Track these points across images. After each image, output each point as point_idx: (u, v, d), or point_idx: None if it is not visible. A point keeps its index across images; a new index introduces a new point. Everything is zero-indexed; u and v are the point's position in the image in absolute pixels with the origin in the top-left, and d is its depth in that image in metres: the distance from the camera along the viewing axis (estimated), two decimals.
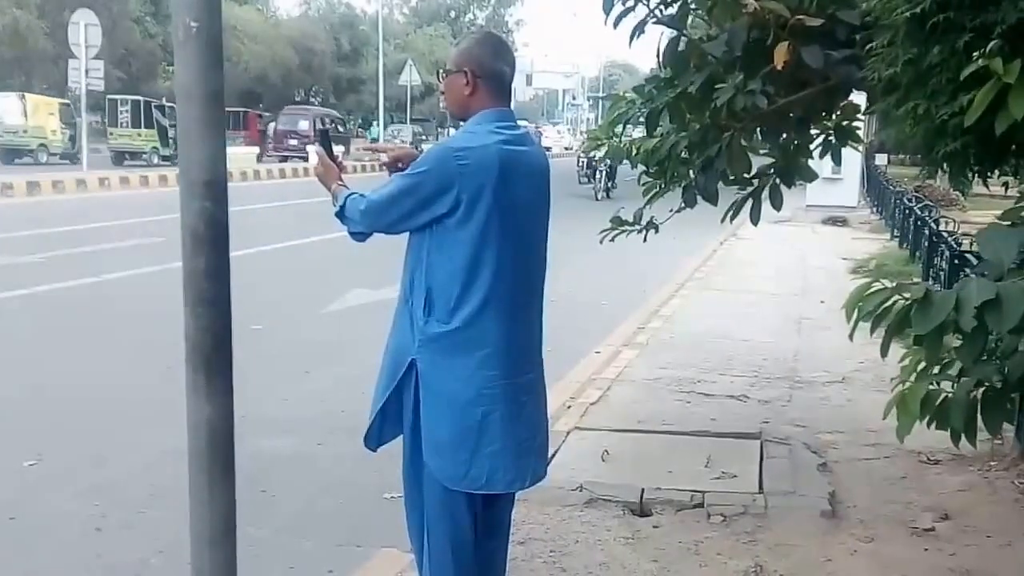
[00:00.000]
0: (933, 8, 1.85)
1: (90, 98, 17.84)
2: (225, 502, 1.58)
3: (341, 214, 2.06)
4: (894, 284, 1.69)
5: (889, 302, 1.63)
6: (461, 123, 2.06)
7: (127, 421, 4.10)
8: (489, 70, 1.99)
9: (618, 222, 3.66)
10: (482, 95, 1.99)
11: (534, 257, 2.06)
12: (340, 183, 2.11)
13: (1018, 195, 2.38)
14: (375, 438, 2.10)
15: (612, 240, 3.72)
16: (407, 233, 2.03)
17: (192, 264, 1.52)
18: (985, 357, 1.78)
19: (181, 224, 1.52)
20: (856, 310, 1.68)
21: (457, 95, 2.01)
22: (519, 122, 2.17)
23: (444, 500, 2.01)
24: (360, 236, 2.08)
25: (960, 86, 1.76)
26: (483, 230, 1.91)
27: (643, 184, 3.69)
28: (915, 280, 7.50)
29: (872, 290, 1.65)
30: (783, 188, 3.63)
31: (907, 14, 1.88)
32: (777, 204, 3.52)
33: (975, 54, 1.68)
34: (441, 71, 2.06)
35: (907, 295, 1.59)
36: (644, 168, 3.62)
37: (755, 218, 3.51)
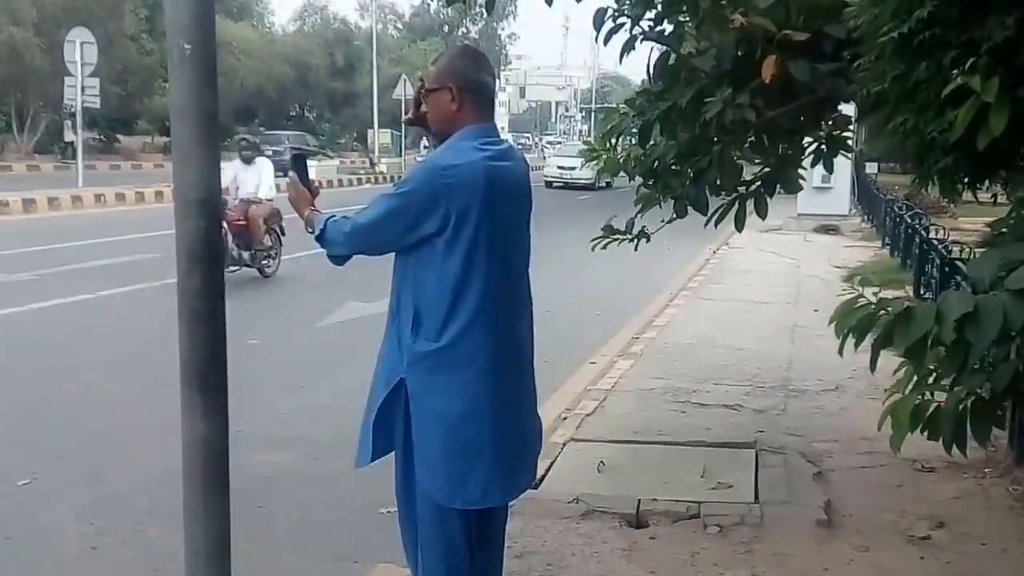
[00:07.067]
0: (919, 25, 1.87)
1: (86, 115, 17.85)
2: (219, 519, 1.59)
3: (321, 237, 2.04)
4: (878, 297, 1.71)
5: (874, 317, 1.65)
6: (431, 137, 2.05)
7: (123, 439, 4.10)
8: (473, 83, 2.00)
9: (610, 231, 3.68)
10: (468, 109, 1.99)
11: (519, 270, 2.07)
12: (313, 208, 2.09)
13: (1009, 204, 2.40)
14: (364, 457, 2.07)
15: (604, 248, 3.75)
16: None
17: (187, 282, 1.53)
18: (977, 366, 1.79)
19: (176, 242, 1.54)
20: (843, 324, 1.70)
21: (443, 111, 2.00)
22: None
23: (437, 517, 2.01)
24: (340, 259, 2.06)
25: (947, 102, 1.79)
26: (471, 247, 1.91)
27: (640, 195, 3.72)
28: (907, 287, 7.55)
29: (857, 305, 1.67)
30: (774, 196, 3.67)
31: (894, 33, 1.91)
32: (762, 213, 3.56)
33: (955, 72, 1.71)
34: (422, 91, 2.06)
35: (890, 309, 1.61)
36: (642, 180, 3.65)
37: (739, 225, 3.55)
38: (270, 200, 8.28)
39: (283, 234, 8.47)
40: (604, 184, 23.15)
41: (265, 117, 37.47)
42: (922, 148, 2.02)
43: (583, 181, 22.76)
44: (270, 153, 29.28)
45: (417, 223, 1.91)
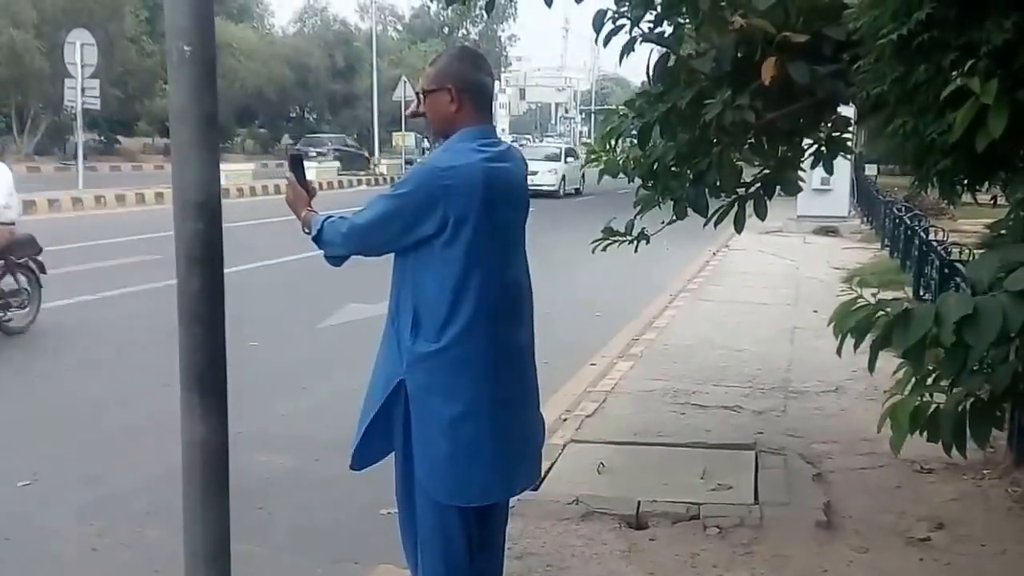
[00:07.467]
0: (919, 27, 1.88)
1: (86, 117, 17.88)
2: (219, 520, 1.59)
3: (318, 238, 2.04)
4: (877, 299, 1.71)
5: (873, 318, 1.65)
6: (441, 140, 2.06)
7: (123, 440, 4.10)
8: (472, 84, 2.00)
9: (609, 232, 3.69)
10: (467, 110, 1.99)
11: (518, 269, 2.07)
12: (310, 209, 2.10)
13: (1008, 205, 2.41)
14: (361, 459, 2.08)
15: (604, 250, 3.75)
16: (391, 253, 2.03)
17: (186, 285, 1.53)
18: (976, 368, 1.80)
19: (175, 245, 1.54)
20: (842, 325, 1.70)
21: (442, 112, 2.01)
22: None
23: (437, 518, 2.01)
24: (337, 260, 2.06)
25: (946, 104, 1.79)
26: (469, 248, 1.91)
27: (639, 197, 3.72)
28: (906, 289, 7.55)
29: (856, 306, 1.67)
30: (774, 197, 3.67)
31: (893, 35, 1.91)
32: (761, 214, 3.56)
33: (954, 74, 1.71)
34: (420, 92, 2.06)
35: (889, 310, 1.61)
36: (641, 182, 3.65)
37: (739, 226, 3.56)
38: (8, 224, 5.77)
39: (42, 271, 6.03)
40: (572, 191, 21.55)
41: (265, 119, 37.52)
42: (921, 150, 2.02)
43: (546, 188, 19.72)
44: (314, 153, 29.31)
45: (415, 224, 1.92)
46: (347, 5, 75.97)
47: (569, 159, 21.86)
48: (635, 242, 3.71)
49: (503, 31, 50.71)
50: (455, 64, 2.03)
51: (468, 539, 2.05)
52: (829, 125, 3.49)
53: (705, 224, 3.57)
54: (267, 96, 34.29)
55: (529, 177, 2.03)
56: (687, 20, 3.20)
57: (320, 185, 20.28)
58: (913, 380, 1.91)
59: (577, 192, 21.71)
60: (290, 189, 2.14)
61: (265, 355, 5.51)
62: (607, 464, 3.65)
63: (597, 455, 3.75)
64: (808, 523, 3.12)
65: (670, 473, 3.58)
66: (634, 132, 3.48)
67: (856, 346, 1.75)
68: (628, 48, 3.11)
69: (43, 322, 6.45)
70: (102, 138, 29.25)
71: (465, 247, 1.91)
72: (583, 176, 21.28)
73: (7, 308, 5.80)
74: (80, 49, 16.57)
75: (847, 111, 3.58)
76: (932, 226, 7.56)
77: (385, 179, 25.28)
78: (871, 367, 1.74)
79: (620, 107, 3.71)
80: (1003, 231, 2.20)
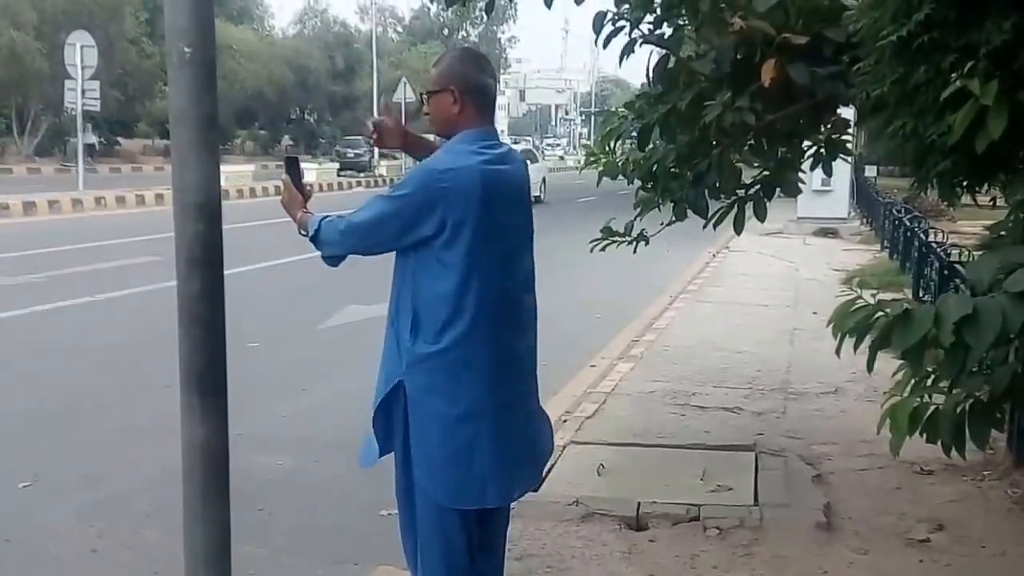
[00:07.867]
0: (918, 28, 1.88)
1: (86, 118, 17.90)
2: (219, 521, 1.59)
3: (316, 238, 2.03)
4: (876, 299, 1.71)
5: (872, 318, 1.65)
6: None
7: (123, 441, 4.10)
8: (475, 85, 2.00)
9: (608, 232, 3.68)
10: (469, 111, 1.99)
11: (520, 272, 2.07)
12: (305, 210, 2.09)
13: (1008, 207, 2.41)
14: (368, 457, 2.09)
15: (603, 250, 3.75)
16: (392, 253, 2.03)
17: (186, 286, 1.54)
18: (975, 369, 1.80)
19: (176, 246, 1.55)
20: (841, 326, 1.70)
21: (445, 114, 2.01)
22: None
23: (437, 519, 2.01)
24: (334, 260, 2.06)
25: (946, 105, 1.79)
26: (469, 251, 1.91)
27: (639, 198, 3.72)
28: (906, 290, 7.55)
29: (856, 306, 1.67)
30: (774, 199, 3.68)
31: (893, 37, 1.91)
32: (761, 216, 3.57)
33: (954, 75, 1.72)
34: (424, 93, 2.06)
35: (889, 311, 1.61)
36: (640, 184, 3.65)
37: (738, 228, 3.56)
38: None
39: None
40: (532, 198, 20.59)
41: (265, 120, 37.58)
42: (921, 151, 2.03)
43: None
44: (351, 155, 29.27)
45: (414, 225, 1.91)
46: (347, 7, 76.40)
47: (526, 162, 20.12)
48: (634, 243, 3.71)
49: (503, 33, 50.82)
50: (457, 65, 2.03)
51: (468, 540, 2.05)
52: (829, 127, 3.49)
53: (705, 226, 3.57)
54: (267, 98, 34.35)
55: None
56: (687, 22, 3.20)
57: (320, 187, 20.35)
58: (912, 381, 1.91)
59: (537, 200, 19.16)
60: (286, 191, 2.14)
61: (265, 356, 5.52)
62: (607, 465, 3.65)
63: (597, 456, 3.75)
64: (808, 524, 3.12)
65: (670, 474, 3.58)
66: (634, 134, 3.48)
67: (856, 347, 1.75)
68: (628, 50, 3.12)
69: (45, 322, 6.46)
70: (102, 139, 29.31)
71: (465, 249, 1.91)
72: (544, 181, 20.12)
73: None
74: (80, 51, 16.60)
75: (847, 113, 3.58)
76: (931, 227, 7.56)
77: (384, 180, 25.31)
78: (870, 368, 1.74)
79: (620, 109, 3.71)
80: (1002, 232, 2.20)
